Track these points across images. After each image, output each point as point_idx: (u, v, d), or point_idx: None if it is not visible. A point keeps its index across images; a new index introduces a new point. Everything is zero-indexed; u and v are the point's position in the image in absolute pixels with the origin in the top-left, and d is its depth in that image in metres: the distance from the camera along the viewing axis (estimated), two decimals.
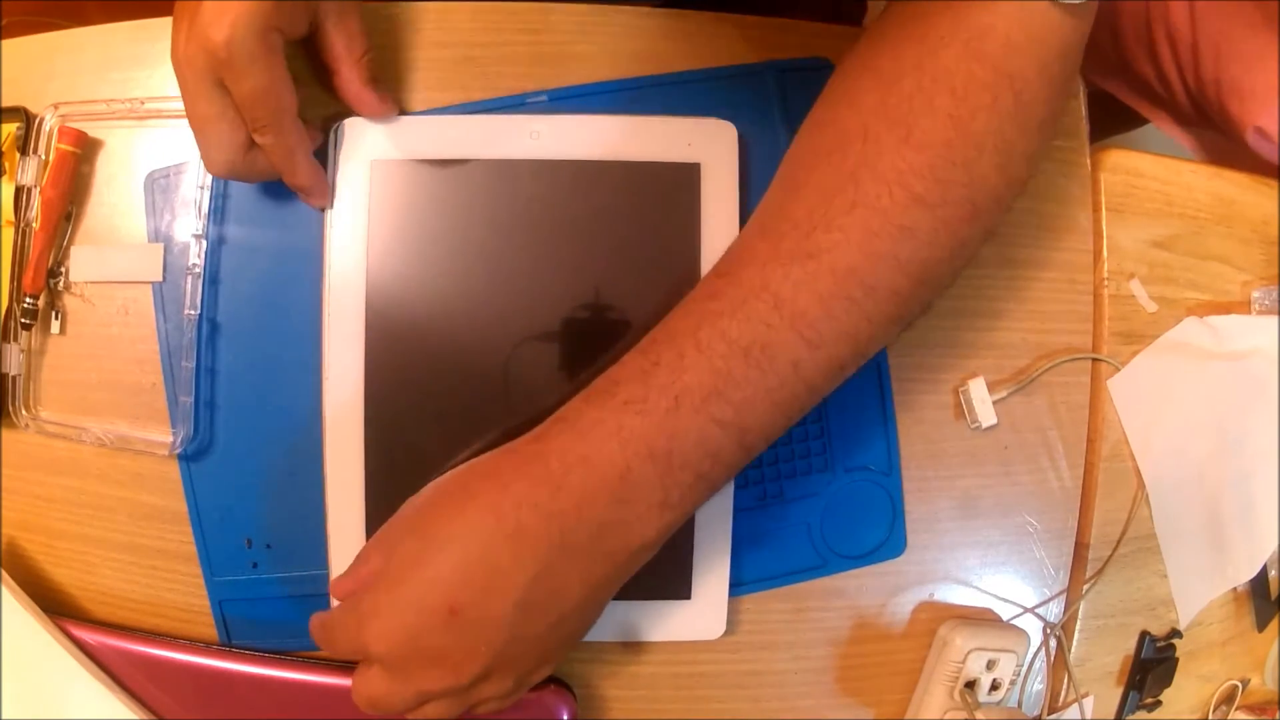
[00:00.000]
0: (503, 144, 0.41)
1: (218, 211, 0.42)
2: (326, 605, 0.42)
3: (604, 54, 0.43)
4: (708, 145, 0.41)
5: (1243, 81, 0.53)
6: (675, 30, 0.43)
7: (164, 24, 0.42)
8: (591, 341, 0.41)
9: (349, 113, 0.41)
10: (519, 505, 0.33)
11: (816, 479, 0.44)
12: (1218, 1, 0.54)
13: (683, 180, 0.41)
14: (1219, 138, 0.60)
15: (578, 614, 0.35)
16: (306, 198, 0.41)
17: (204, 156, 0.38)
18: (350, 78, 0.40)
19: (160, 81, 0.42)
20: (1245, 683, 0.53)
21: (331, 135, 0.41)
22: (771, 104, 0.44)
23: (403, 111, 0.42)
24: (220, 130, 0.37)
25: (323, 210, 0.42)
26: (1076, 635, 0.48)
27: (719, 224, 0.42)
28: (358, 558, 0.37)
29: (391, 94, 0.42)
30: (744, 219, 0.41)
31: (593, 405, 0.34)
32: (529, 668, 0.36)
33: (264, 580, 0.43)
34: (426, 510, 0.35)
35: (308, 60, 0.41)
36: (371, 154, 0.41)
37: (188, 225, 0.42)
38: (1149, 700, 0.49)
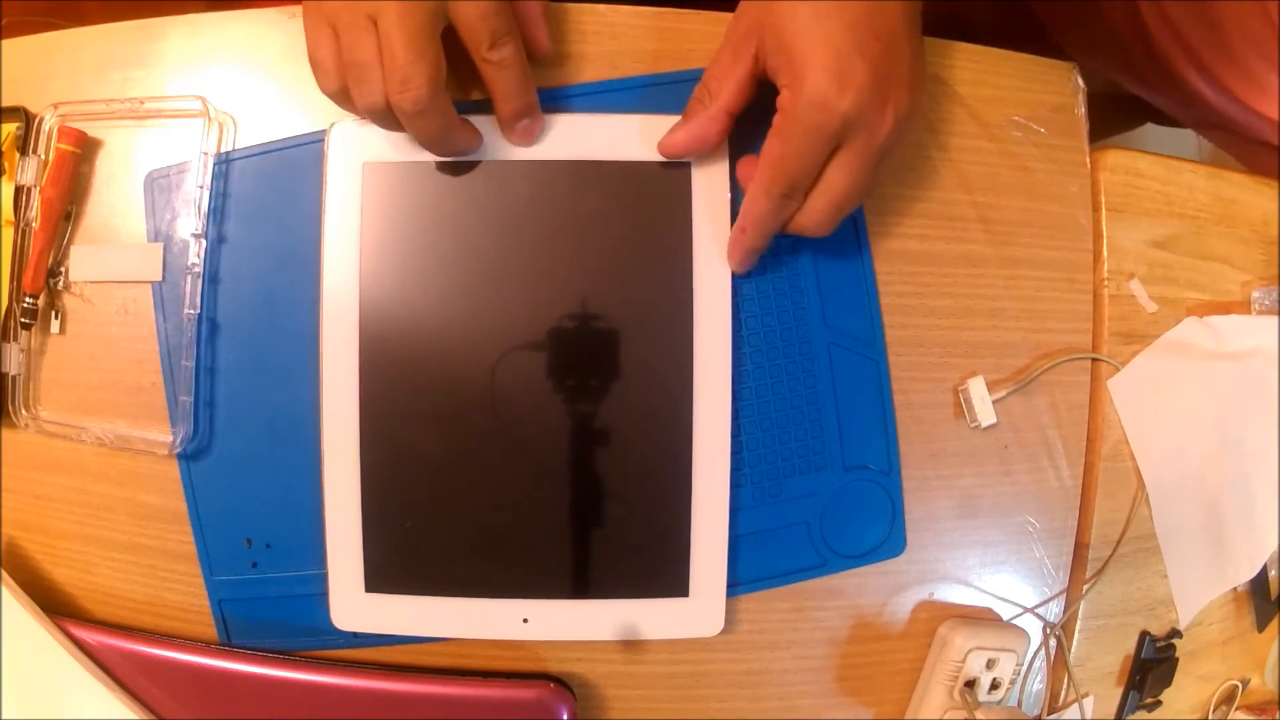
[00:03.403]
0: (493, 145, 0.41)
1: (217, 211, 0.42)
2: (326, 604, 0.42)
3: (602, 54, 0.43)
4: None
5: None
6: (672, 30, 0.43)
7: (164, 24, 0.43)
8: (583, 336, 0.42)
9: None
10: None
11: (816, 478, 0.44)
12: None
13: (674, 179, 0.42)
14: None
15: None
16: (530, 125, 0.40)
17: (364, 89, 0.36)
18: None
19: (160, 81, 0.42)
20: (1245, 683, 0.53)
21: (324, 138, 0.41)
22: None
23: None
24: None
25: (530, 143, 0.41)
26: (1076, 635, 0.48)
27: (710, 223, 0.42)
28: None
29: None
30: (734, 218, 0.41)
31: None
32: None
33: (263, 580, 0.43)
34: None
35: None
36: (364, 156, 0.41)
37: (187, 225, 0.42)
38: (1149, 700, 0.49)
